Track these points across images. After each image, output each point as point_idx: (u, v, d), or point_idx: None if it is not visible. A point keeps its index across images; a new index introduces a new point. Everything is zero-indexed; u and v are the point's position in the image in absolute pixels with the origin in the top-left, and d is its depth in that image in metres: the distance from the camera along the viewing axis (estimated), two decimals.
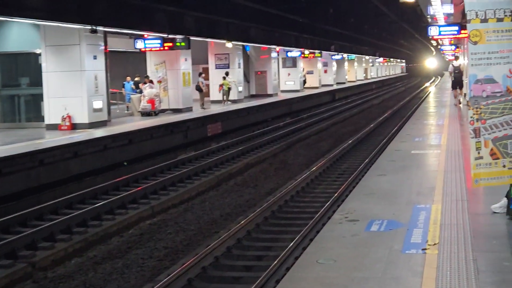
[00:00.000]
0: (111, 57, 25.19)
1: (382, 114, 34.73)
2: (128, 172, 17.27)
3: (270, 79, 39.51)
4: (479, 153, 7.65)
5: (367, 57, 74.63)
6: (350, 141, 22.51)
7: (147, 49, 25.60)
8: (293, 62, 45.06)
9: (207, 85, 32.31)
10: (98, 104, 21.10)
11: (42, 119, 21.19)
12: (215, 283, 8.99)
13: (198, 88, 29.13)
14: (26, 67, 22.32)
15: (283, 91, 43.63)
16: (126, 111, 27.55)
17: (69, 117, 20.40)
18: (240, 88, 34.33)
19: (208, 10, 24.97)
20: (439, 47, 67.12)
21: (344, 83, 60.48)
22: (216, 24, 27.96)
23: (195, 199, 14.99)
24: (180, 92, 27.04)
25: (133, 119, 24.29)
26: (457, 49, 41.53)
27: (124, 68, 33.89)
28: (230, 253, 10.14)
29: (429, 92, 48.76)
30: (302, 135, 26.01)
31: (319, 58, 50.29)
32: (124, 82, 29.10)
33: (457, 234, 7.47)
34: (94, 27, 19.44)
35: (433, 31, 23.60)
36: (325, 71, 55.21)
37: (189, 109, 27.41)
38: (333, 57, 54.94)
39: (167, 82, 26.91)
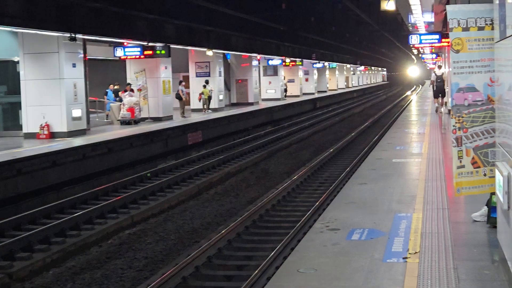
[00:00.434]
0: (91, 65, 25.10)
1: (364, 122, 34.87)
2: (107, 181, 17.20)
3: (251, 87, 39.56)
4: (461, 162, 7.69)
5: (348, 66, 74.95)
6: (331, 150, 22.58)
7: (127, 57, 25.54)
8: (274, 71, 45.15)
9: (188, 94, 32.29)
10: (77, 112, 21.01)
11: (20, 127, 21.08)
12: None
13: (178, 97, 29.10)
14: (4, 75, 22.20)
15: (264, 100, 43.70)
16: (105, 120, 27.45)
17: (48, 125, 20.29)
18: (221, 97, 34.34)
19: (189, 18, 25.00)
20: (420, 55, 67.72)
21: (325, 91, 60.69)
22: (196, 32, 27.99)
23: (175, 208, 14.96)
24: (160, 100, 27.00)
25: (112, 128, 24.21)
26: (438, 57, 41.86)
27: (104, 76, 33.78)
28: (211, 262, 10.13)
29: (411, 101, 49.06)
30: (284, 143, 26.05)
31: (300, 67, 50.42)
32: (107, 90, 29.00)
33: (438, 242, 7.52)
34: (73, 35, 19.37)
35: (414, 40, 23.76)
36: (306, 80, 55.39)
37: (169, 118, 27.37)
38: (314, 65, 55.13)
39: (147, 90, 26.87)
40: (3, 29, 18.65)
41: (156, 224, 13.41)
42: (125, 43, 24.95)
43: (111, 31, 21.62)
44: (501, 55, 6.33)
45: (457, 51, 7.54)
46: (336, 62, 62.39)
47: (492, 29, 7.22)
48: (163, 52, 25.01)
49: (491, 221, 7.91)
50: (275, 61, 43.97)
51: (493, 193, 7.41)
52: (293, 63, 46.79)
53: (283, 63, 45.05)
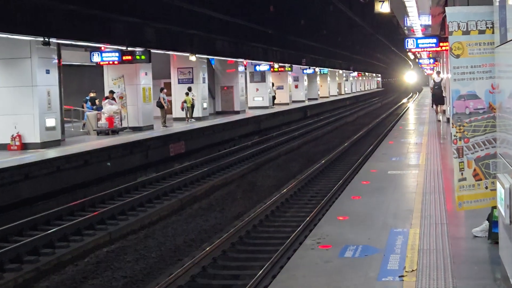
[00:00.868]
0: (65, 71, 25.07)
1: (357, 132, 34.97)
2: (84, 195, 17.16)
3: (237, 94, 39.60)
4: (462, 174, 7.68)
5: (340, 72, 75.16)
6: (322, 161, 22.62)
7: (104, 62, 25.52)
8: (262, 77, 45.20)
9: (169, 102, 32.28)
10: (51, 122, 20.95)
11: None
12: None
13: (160, 105, 29.08)
14: None
15: (251, 108, 43.74)
16: (81, 130, 27.40)
17: (19, 136, 20.21)
18: (205, 105, 34.36)
19: (171, 21, 25.03)
20: (417, 60, 68.05)
21: (316, 99, 60.80)
22: (179, 35, 28.01)
23: (156, 224, 14.92)
24: (140, 109, 26.97)
25: (89, 138, 24.15)
26: (436, 62, 42.08)
27: (80, 83, 33.78)
28: (195, 282, 10.12)
29: (407, 109, 49.25)
30: (272, 155, 26.07)
31: (290, 72, 50.51)
32: (87, 97, 28.94)
33: (436, 259, 7.55)
34: (47, 39, 19.34)
35: (410, 44, 23.89)
36: (296, 86, 55.47)
37: (150, 127, 27.34)
38: (304, 71, 55.25)
39: (126, 98, 26.83)
40: None
41: (136, 241, 13.38)
42: (102, 48, 24.95)
43: (88, 35, 21.60)
44: (502, 60, 6.37)
45: (457, 56, 7.55)
46: (328, 67, 62.57)
47: (493, 32, 7.25)
48: (143, 57, 25.02)
49: (493, 237, 7.92)
50: (263, 66, 44.05)
51: (495, 207, 7.44)
52: (282, 69, 46.87)
53: (271, 69, 45.12)
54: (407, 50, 27.83)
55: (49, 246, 12.49)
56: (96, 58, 25.21)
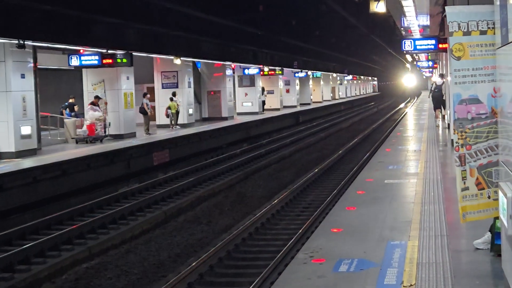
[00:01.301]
0: (42, 75, 25.02)
1: (352, 139, 35.03)
2: (61, 208, 17.11)
3: (224, 100, 39.60)
4: (465, 183, 7.68)
5: (334, 75, 75.33)
6: (315, 170, 22.65)
7: (83, 66, 25.47)
8: (251, 81, 45.24)
9: (153, 107, 32.26)
10: (27, 129, 20.90)
11: None
12: None
13: (143, 111, 29.04)
14: None
15: (239, 114, 43.76)
16: (59, 138, 27.32)
17: None
18: (191, 111, 34.35)
19: (154, 21, 25.00)
20: (415, 63, 68.32)
21: (309, 104, 60.89)
22: (162, 37, 28.01)
23: (139, 238, 14.90)
24: (122, 115, 26.94)
25: (67, 147, 24.09)
26: (435, 65, 42.26)
27: (57, 88, 33.70)
28: None
29: (405, 114, 49.40)
30: (262, 163, 26.09)
31: (281, 76, 50.59)
32: (66, 103, 28.86)
33: (436, 273, 7.57)
34: (22, 41, 19.31)
35: (407, 45, 23.95)
36: (287, 91, 55.54)
37: (132, 135, 27.31)
38: (296, 74, 55.32)
39: (106, 104, 26.78)
40: None
41: (117, 257, 13.35)
42: (81, 51, 24.89)
43: (65, 37, 21.57)
44: (503, 62, 6.40)
45: (458, 58, 7.56)
46: (321, 70, 62.65)
47: (495, 33, 7.28)
48: (124, 60, 24.97)
49: (495, 249, 7.95)
50: (252, 70, 44.09)
51: (497, 218, 7.46)
52: (272, 72, 46.92)
53: (261, 72, 45.17)
54: (405, 52, 27.91)
55: (24, 262, 12.45)
56: (74, 61, 25.14)
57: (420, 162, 17.69)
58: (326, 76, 70.98)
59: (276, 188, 20.64)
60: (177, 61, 30.18)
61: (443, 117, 27.83)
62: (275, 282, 8.19)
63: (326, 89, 72.01)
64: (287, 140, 34.99)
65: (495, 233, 7.93)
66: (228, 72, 40.24)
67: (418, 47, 24.06)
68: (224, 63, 38.27)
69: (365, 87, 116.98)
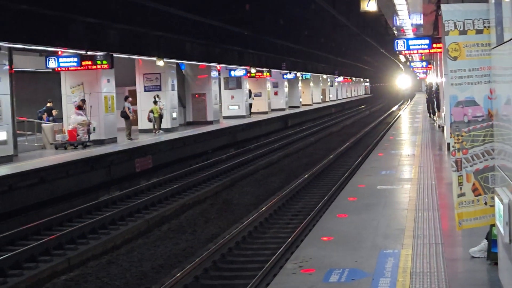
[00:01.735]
0: (18, 78, 24.95)
1: (343, 143, 35.08)
2: (39, 217, 17.05)
3: (210, 103, 39.58)
4: (461, 189, 7.70)
5: (325, 76, 75.44)
6: (305, 176, 22.66)
7: (61, 68, 25.41)
8: (237, 83, 45.25)
9: (135, 111, 32.19)
10: (2, 135, 20.83)
11: None
12: None
13: (124, 115, 29.00)
14: None
15: (225, 118, 43.76)
16: (36, 143, 27.23)
17: None
18: (174, 115, 34.31)
19: (135, 21, 25.01)
20: (408, 63, 68.51)
21: (298, 107, 60.98)
22: (144, 38, 28.00)
23: (120, 248, 14.87)
24: (102, 119, 26.87)
25: (45, 153, 24.01)
26: (429, 65, 42.39)
27: (34, 91, 33.57)
28: None
29: (398, 117, 49.53)
30: (249, 169, 26.09)
31: (268, 78, 50.62)
32: (44, 108, 28.77)
33: (431, 283, 7.59)
34: None
35: (400, 45, 24.02)
36: (276, 93, 55.59)
37: (113, 140, 27.26)
38: (284, 76, 55.38)
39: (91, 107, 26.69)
40: None
41: (98, 268, 13.32)
42: (59, 52, 24.84)
43: (42, 37, 21.53)
44: (498, 63, 6.42)
45: (455, 58, 7.57)
46: (310, 72, 62.77)
47: (491, 32, 7.29)
48: (104, 62, 24.95)
49: (492, 257, 7.97)
50: (238, 71, 44.11)
51: (494, 225, 7.48)
52: (260, 74, 46.96)
53: (248, 74, 45.19)
54: (397, 52, 28.01)
55: (0, 274, 12.39)
56: (52, 63, 25.09)
57: (414, 167, 17.74)
58: (316, 78, 71.10)
59: (264, 195, 20.64)
60: (160, 63, 30.15)
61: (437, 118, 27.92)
62: None
63: (316, 91, 72.12)
64: (275, 144, 35.00)
65: (492, 241, 7.95)
66: (214, 74, 40.23)
67: (411, 47, 24.14)
68: (209, 64, 38.26)
69: (357, 89, 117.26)
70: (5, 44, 20.12)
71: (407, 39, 24.72)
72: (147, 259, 13.83)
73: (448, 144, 19.25)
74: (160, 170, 25.44)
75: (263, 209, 17.19)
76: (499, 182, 6.52)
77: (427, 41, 23.86)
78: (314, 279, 8.02)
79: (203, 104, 39.66)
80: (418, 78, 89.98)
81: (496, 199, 6.36)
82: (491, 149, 7.53)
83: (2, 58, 21.00)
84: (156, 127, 31.66)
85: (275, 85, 55.40)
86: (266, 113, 49.96)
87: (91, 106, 26.18)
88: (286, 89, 57.64)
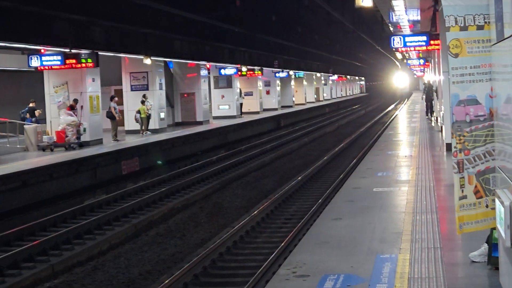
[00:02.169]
0: (0, 78, 24.89)
1: (338, 144, 35.10)
2: (22, 222, 17.01)
3: (199, 103, 39.54)
4: (462, 191, 7.67)
5: (318, 75, 75.51)
6: (299, 178, 22.67)
7: (44, 67, 25.36)
8: (228, 82, 45.24)
9: (121, 112, 32.14)
10: None
11: None
12: None
13: (110, 115, 28.95)
14: None
15: (215, 118, 43.75)
16: (18, 145, 27.17)
17: None
18: (162, 115, 34.28)
19: (121, 18, 24.97)
20: (405, 61, 68.63)
21: (291, 106, 60.99)
22: (131, 35, 27.97)
23: (107, 254, 14.84)
24: (87, 120, 26.82)
25: (28, 156, 23.96)
26: (426, 63, 42.46)
27: (17, 91, 33.53)
28: None
29: (395, 116, 49.60)
30: (240, 171, 26.08)
31: (260, 77, 50.62)
32: (26, 108, 28.70)
33: None
34: None
35: (396, 42, 24.02)
36: (268, 92, 55.59)
37: (99, 142, 27.21)
38: (277, 74, 55.39)
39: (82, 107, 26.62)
40: None
41: (83, 275, 13.29)
42: (42, 50, 24.79)
43: (24, 35, 21.48)
44: (498, 60, 6.41)
45: (456, 55, 7.56)
46: (304, 70, 62.79)
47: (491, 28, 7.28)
48: (89, 60, 24.88)
49: (493, 262, 7.97)
50: (229, 70, 44.08)
51: (495, 228, 7.48)
52: (251, 73, 46.96)
53: (239, 73, 45.18)
54: (394, 49, 28.02)
55: None
56: (34, 62, 25.02)
57: (411, 168, 17.75)
58: (309, 76, 71.13)
59: (256, 198, 20.62)
60: (147, 61, 30.12)
61: (436, 119, 27.95)
62: None
63: (309, 90, 72.15)
64: (267, 145, 34.99)
65: (493, 245, 7.94)
66: (203, 72, 40.19)
67: (408, 43, 24.14)
68: (199, 62, 38.23)
69: (352, 87, 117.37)
70: None
71: (404, 36, 24.74)
72: (135, 265, 13.80)
73: (447, 144, 19.28)
74: (148, 173, 25.42)
75: (255, 212, 17.18)
76: (500, 184, 6.52)
77: (424, 38, 23.88)
78: (309, 285, 8.01)
79: (192, 104, 39.62)
80: (415, 76, 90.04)
81: (497, 201, 6.35)
82: (492, 149, 7.52)
83: None
84: (143, 128, 31.62)
85: (267, 84, 55.38)
86: (257, 113, 49.96)
87: (81, 106, 26.14)
88: (279, 88, 57.63)
